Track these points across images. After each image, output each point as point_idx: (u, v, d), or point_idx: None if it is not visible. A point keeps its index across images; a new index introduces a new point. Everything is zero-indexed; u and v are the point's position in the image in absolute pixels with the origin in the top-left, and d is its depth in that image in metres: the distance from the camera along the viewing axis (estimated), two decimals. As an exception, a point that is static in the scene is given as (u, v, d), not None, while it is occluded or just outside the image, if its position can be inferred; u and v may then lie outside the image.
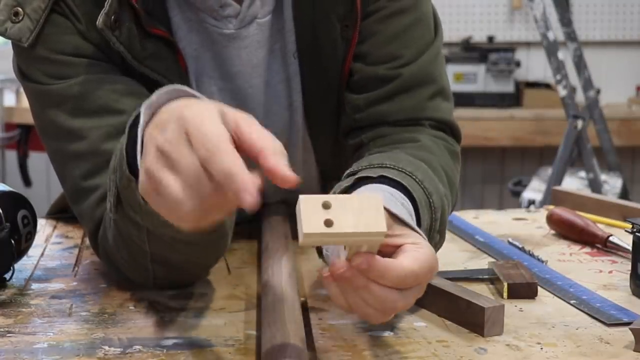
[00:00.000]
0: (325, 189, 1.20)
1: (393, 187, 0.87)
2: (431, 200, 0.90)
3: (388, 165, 0.91)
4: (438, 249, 0.94)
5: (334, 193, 0.90)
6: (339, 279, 0.72)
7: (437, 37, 1.09)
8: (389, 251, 0.76)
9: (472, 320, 0.84)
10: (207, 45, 1.04)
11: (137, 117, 0.79)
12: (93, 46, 0.99)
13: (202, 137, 0.68)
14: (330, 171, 1.14)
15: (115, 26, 0.97)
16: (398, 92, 1.05)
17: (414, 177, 0.90)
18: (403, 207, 0.84)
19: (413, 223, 0.81)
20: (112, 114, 0.98)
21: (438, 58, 1.09)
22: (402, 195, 0.87)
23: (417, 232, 0.79)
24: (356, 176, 0.91)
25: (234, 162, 0.66)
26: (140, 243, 0.90)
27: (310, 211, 0.67)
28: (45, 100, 1.00)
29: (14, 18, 0.98)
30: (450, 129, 1.08)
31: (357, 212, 0.68)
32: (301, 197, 0.68)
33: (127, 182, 0.81)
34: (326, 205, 0.68)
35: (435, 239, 0.92)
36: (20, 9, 0.98)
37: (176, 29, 1.03)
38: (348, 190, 0.89)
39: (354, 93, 1.07)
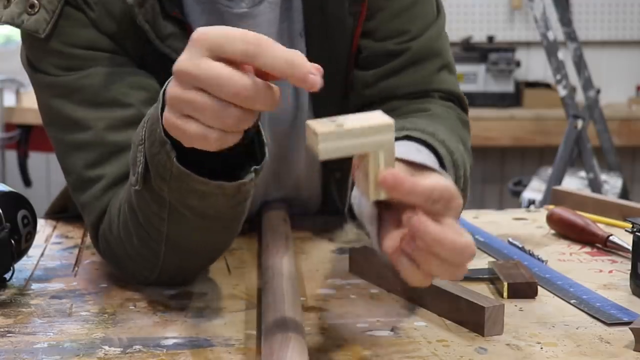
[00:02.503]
0: (327, 177, 1.20)
1: (419, 144, 0.88)
2: (454, 158, 0.90)
3: (409, 127, 0.90)
4: (462, 209, 0.93)
5: None
6: (405, 248, 0.69)
7: (440, 16, 1.13)
8: None
9: (472, 319, 0.84)
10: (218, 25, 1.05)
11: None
12: (107, 38, 1.00)
13: (241, 38, 0.70)
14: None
15: (142, 3, 0.98)
16: (406, 66, 1.08)
17: (435, 137, 0.90)
18: (429, 157, 0.84)
19: (436, 167, 0.79)
20: (120, 106, 0.98)
21: (442, 35, 1.12)
22: (428, 151, 0.87)
23: (441, 173, 0.76)
24: None
25: (286, 50, 0.70)
26: (158, 223, 0.89)
27: (320, 125, 0.69)
28: (52, 91, 1.01)
29: (30, 10, 0.99)
30: (458, 100, 1.11)
31: (362, 118, 0.70)
32: (308, 121, 0.70)
33: (159, 147, 0.82)
34: (333, 120, 0.70)
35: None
36: (35, 1, 0.98)
37: (189, 11, 1.04)
38: None
39: (363, 69, 1.09)
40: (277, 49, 0.70)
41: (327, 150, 0.69)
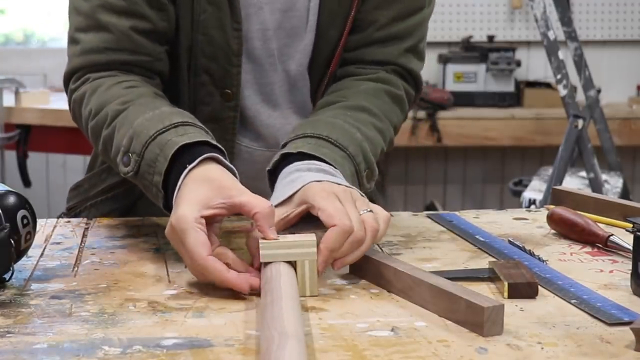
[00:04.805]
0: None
1: (310, 158, 1.07)
2: (348, 152, 1.11)
3: (309, 134, 1.12)
4: (374, 179, 1.16)
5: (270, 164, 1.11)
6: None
7: (430, 7, 1.29)
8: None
9: (472, 319, 0.84)
10: None
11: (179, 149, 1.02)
12: None
13: (193, 265, 0.95)
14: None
15: None
16: (385, 41, 1.27)
17: (330, 140, 1.11)
18: (325, 174, 1.04)
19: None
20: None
21: (425, 24, 1.30)
22: (320, 162, 1.07)
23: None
24: (282, 152, 1.10)
25: (219, 272, 0.93)
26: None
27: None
28: None
29: None
30: (413, 79, 1.30)
31: (295, 236, 0.97)
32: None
33: (154, 190, 1.05)
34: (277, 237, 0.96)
35: (363, 174, 1.13)
36: None
37: None
38: (278, 165, 1.09)
39: (350, 33, 1.26)
40: (212, 273, 0.94)
41: (265, 255, 0.94)
